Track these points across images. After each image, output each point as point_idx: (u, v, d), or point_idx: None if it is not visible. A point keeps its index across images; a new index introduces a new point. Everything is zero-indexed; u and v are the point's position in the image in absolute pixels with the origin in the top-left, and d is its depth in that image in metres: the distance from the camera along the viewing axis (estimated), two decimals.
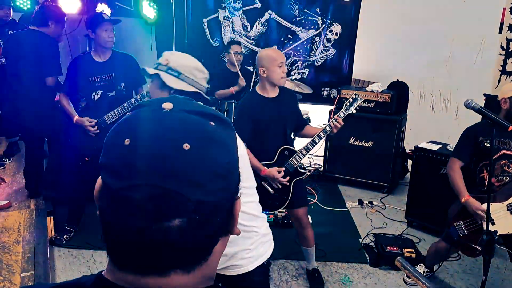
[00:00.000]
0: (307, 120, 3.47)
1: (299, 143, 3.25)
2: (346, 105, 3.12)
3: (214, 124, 0.65)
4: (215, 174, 0.62)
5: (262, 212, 2.11)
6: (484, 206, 2.69)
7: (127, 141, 0.61)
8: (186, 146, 0.60)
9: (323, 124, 3.32)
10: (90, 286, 0.65)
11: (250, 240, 1.92)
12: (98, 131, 3.61)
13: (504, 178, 2.95)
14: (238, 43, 5.04)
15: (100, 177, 0.65)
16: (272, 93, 3.06)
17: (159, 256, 0.61)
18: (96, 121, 3.61)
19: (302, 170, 3.10)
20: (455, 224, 3.00)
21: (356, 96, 3.12)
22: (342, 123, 3.00)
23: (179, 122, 0.63)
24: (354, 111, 3.15)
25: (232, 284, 2.00)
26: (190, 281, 0.64)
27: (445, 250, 3.13)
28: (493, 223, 2.87)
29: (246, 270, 1.92)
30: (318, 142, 3.07)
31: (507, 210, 2.90)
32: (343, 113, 3.08)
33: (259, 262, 1.95)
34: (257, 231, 1.95)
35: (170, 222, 0.59)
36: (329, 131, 3.02)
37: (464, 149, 3.07)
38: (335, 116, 3.04)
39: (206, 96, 2.01)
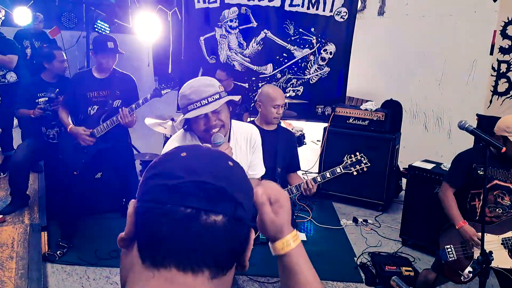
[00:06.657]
0: (297, 165, 3.33)
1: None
2: (347, 162, 2.86)
3: (232, 164, 0.78)
4: (249, 190, 0.77)
5: None
6: (479, 233, 2.66)
7: (183, 154, 0.75)
8: (230, 163, 0.76)
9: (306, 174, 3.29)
10: None
11: None
12: (94, 140, 3.61)
13: (497, 210, 2.85)
14: (225, 68, 4.94)
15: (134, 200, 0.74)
16: (268, 127, 3.18)
17: (199, 246, 0.67)
18: (91, 130, 3.62)
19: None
20: (445, 247, 2.92)
21: (362, 157, 2.83)
22: (314, 190, 2.77)
23: (216, 151, 0.81)
24: (355, 173, 2.82)
25: None
26: None
27: (433, 280, 3.04)
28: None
29: None
30: (291, 194, 2.93)
31: (501, 243, 2.81)
32: (340, 170, 2.84)
33: None
34: None
35: (216, 215, 0.69)
36: (298, 192, 2.89)
37: (457, 175, 2.97)
38: (310, 180, 2.79)
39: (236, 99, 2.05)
